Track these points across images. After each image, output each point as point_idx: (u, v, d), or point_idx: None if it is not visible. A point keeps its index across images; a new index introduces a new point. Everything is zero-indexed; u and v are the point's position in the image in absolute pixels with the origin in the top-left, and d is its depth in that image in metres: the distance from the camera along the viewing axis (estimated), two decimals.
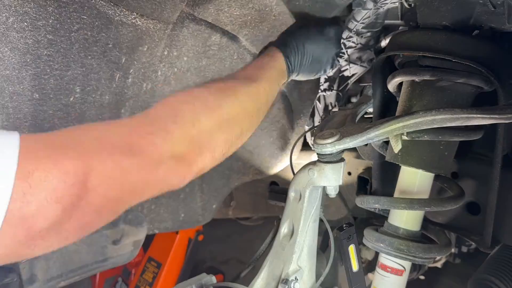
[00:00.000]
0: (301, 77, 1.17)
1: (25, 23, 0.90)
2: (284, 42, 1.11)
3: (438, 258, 1.85)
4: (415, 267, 1.70)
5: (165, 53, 1.17)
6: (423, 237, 1.13)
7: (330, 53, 1.20)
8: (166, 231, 1.58)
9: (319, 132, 1.06)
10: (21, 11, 0.89)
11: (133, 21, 1.04)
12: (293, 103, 1.45)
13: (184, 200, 1.46)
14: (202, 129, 0.79)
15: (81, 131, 0.68)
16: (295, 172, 1.14)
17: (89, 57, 1.02)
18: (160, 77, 1.20)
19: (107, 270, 2.41)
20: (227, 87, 0.91)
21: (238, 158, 1.53)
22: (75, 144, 0.63)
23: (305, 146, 1.71)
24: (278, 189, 1.78)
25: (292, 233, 1.12)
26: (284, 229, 1.14)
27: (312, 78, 1.21)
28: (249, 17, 1.20)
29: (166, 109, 0.80)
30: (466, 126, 1.01)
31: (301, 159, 1.71)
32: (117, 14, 1.01)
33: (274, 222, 1.23)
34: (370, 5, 1.18)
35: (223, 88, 0.90)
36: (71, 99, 1.04)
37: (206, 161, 0.80)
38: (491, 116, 0.87)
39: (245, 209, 2.13)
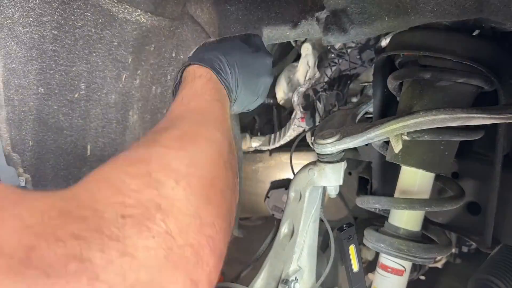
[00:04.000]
0: (236, 107, 0.86)
1: (31, 19, 0.92)
2: (212, 60, 0.78)
3: (438, 258, 1.85)
4: (415, 267, 1.70)
5: (173, 55, 1.17)
6: (423, 237, 1.12)
7: (265, 69, 0.88)
8: None
9: (319, 132, 1.06)
10: (26, 7, 0.91)
11: (137, 18, 1.04)
12: None
13: None
14: None
15: None
16: (295, 172, 1.14)
17: (94, 54, 1.03)
18: (170, 81, 1.20)
19: None
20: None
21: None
22: None
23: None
24: (278, 181, 1.74)
25: (292, 233, 1.12)
26: (284, 229, 1.14)
27: (248, 108, 0.90)
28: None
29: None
30: (467, 126, 1.01)
31: (301, 159, 1.71)
32: (121, 11, 1.02)
33: (274, 222, 1.23)
34: None
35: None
36: (76, 95, 1.05)
37: None
38: (492, 116, 0.87)
39: (245, 209, 2.13)
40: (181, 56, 1.18)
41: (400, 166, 1.10)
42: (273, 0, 1.06)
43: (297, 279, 1.09)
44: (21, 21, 0.91)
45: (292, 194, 1.13)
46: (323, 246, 1.34)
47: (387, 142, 1.13)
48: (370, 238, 1.11)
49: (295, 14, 1.02)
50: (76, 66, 1.01)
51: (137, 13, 1.04)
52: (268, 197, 1.60)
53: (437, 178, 1.11)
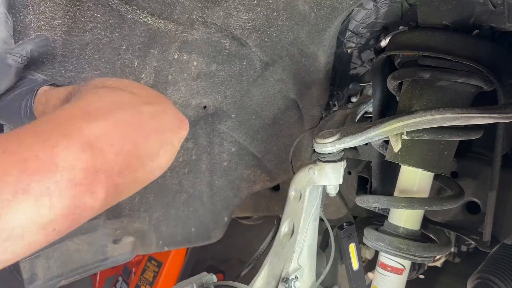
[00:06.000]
0: None
1: (42, 22, 0.92)
2: None
3: (437, 257, 1.85)
4: (414, 266, 1.70)
5: (175, 56, 1.17)
6: (423, 236, 1.13)
7: None
8: (177, 247, 1.55)
9: (319, 132, 1.06)
10: (37, 10, 0.91)
11: (145, 19, 1.05)
12: (303, 109, 1.45)
13: (195, 213, 1.44)
14: None
15: None
16: (295, 172, 1.14)
17: (103, 60, 1.03)
18: (171, 81, 1.20)
19: (107, 269, 2.41)
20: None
21: (247, 166, 1.52)
22: None
23: None
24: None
25: (292, 232, 1.13)
26: (284, 228, 1.14)
27: None
28: (257, 22, 1.20)
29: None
30: (466, 126, 1.01)
31: None
32: (129, 12, 1.02)
33: (274, 221, 1.23)
34: (370, 5, 1.19)
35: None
36: None
37: None
38: (491, 115, 0.88)
39: (245, 209, 2.13)
40: (184, 57, 1.18)
41: (400, 166, 1.11)
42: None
43: (297, 278, 1.09)
44: (32, 24, 0.90)
45: (292, 193, 1.13)
46: (323, 245, 1.34)
47: (386, 142, 1.13)
48: (370, 237, 1.11)
49: None
50: (85, 73, 1.01)
51: (144, 15, 1.04)
52: None
53: (437, 177, 1.11)
